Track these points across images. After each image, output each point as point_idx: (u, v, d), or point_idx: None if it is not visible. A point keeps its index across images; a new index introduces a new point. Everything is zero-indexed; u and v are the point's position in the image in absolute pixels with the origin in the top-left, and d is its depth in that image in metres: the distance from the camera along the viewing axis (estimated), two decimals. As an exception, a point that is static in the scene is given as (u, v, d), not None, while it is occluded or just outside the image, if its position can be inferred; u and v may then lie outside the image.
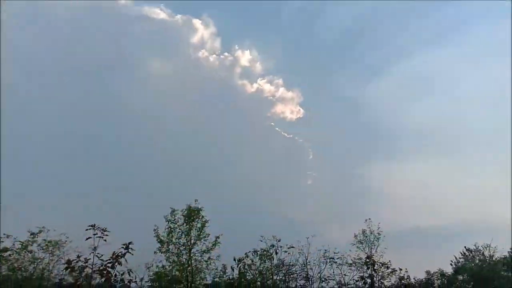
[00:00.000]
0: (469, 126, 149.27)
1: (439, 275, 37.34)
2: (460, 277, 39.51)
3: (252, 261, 23.76)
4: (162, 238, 21.91)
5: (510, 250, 48.18)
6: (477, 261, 42.81)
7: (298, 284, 27.07)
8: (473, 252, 44.27)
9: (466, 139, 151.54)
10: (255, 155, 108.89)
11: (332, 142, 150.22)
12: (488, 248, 45.35)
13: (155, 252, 22.03)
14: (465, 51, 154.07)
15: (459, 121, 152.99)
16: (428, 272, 37.06)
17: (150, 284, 22.61)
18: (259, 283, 23.75)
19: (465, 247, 44.63)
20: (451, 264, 42.62)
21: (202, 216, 22.37)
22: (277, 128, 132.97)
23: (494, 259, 45.12)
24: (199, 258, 22.30)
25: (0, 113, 43.07)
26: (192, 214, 22.11)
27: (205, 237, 22.33)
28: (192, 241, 22.18)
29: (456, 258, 43.72)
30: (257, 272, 23.56)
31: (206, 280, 22.95)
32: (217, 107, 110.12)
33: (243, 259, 23.77)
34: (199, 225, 22.28)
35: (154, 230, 22.17)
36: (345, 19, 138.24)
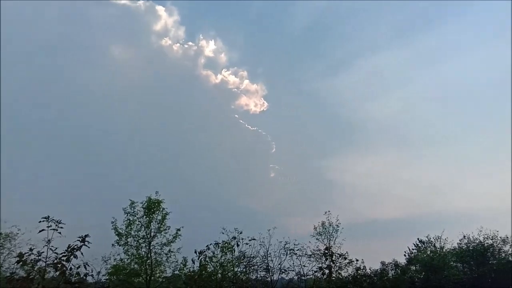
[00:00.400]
0: (422, 122, 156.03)
1: (393, 265, 38.94)
2: (413, 268, 41.45)
3: (214, 253, 23.76)
4: (120, 230, 21.42)
5: (459, 242, 51.07)
6: (428, 252, 45.11)
7: (258, 276, 27.41)
8: (425, 244, 46.62)
9: (420, 135, 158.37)
10: (218, 147, 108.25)
11: (295, 135, 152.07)
12: (439, 240, 47.94)
13: (113, 245, 21.53)
14: (420, 51, 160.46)
15: (413, 117, 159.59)
16: (383, 263, 38.56)
17: (107, 277, 22.08)
18: (220, 275, 23.79)
19: (418, 238, 46.93)
20: (404, 255, 44.67)
21: (163, 209, 22.05)
22: (241, 121, 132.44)
23: (444, 250, 47.78)
24: (159, 251, 22.00)
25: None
26: (152, 206, 21.74)
27: (165, 229, 22.05)
28: (152, 233, 21.84)
29: (409, 249, 45.88)
30: (218, 264, 23.59)
31: (166, 273, 22.72)
32: (180, 97, 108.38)
33: (204, 251, 23.70)
34: (159, 218, 21.96)
35: (112, 222, 21.64)
36: (311, 15, 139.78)
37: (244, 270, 25.94)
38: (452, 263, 46.65)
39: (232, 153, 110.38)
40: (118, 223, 21.53)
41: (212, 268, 23.56)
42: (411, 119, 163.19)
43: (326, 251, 29.26)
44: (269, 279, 26.91)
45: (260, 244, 25.91)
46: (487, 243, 51.59)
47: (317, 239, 29.81)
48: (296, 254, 27.27)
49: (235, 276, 24.57)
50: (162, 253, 21.98)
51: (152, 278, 21.81)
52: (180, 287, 23.74)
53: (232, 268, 24.20)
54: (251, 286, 24.89)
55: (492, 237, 52.10)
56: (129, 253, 21.40)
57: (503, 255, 52.84)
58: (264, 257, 26.47)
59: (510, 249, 52.47)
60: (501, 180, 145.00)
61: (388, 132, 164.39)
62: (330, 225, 29.93)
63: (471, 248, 50.39)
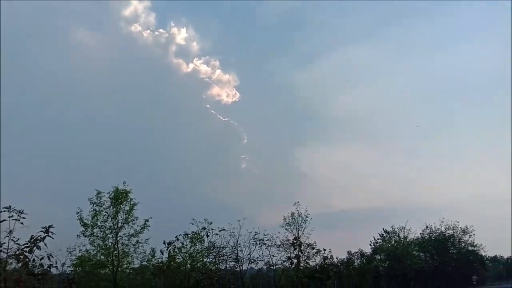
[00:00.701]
0: (391, 117, 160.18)
1: (359, 255, 40.10)
2: (378, 257, 42.80)
3: (183, 244, 23.62)
4: (86, 221, 20.85)
5: (422, 232, 53.06)
6: (393, 242, 46.69)
7: (228, 266, 27.54)
8: (390, 234, 48.23)
9: (389, 129, 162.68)
10: (188, 137, 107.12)
11: (266, 127, 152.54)
12: (403, 230, 49.74)
13: (78, 236, 20.94)
14: (391, 46, 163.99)
15: (383, 111, 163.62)
16: (349, 252, 39.65)
17: (72, 269, 21.52)
18: (189, 265, 23.71)
19: (383, 229, 48.51)
20: (370, 245, 46.09)
21: (131, 199, 21.60)
22: (212, 111, 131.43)
23: (408, 240, 49.60)
24: (127, 241, 21.61)
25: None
26: (119, 196, 21.26)
27: (133, 220, 21.64)
28: (119, 224, 21.38)
29: (374, 239, 47.35)
30: (187, 255, 23.49)
31: (134, 264, 22.37)
32: (150, 85, 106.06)
33: (173, 242, 23.55)
34: (127, 208, 21.49)
35: (77, 213, 21.01)
36: (284, 7, 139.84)
37: (214, 260, 25.99)
38: (415, 252, 48.54)
39: (203, 143, 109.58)
40: (83, 214, 20.94)
41: (181, 259, 23.44)
42: (380, 113, 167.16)
43: (294, 241, 29.76)
44: (238, 269, 27.14)
45: (230, 235, 26.11)
46: (448, 233, 54.03)
47: (286, 229, 30.21)
48: (265, 244, 27.64)
49: (204, 266, 24.56)
50: (130, 244, 21.57)
51: (119, 269, 21.41)
52: (148, 278, 23.48)
53: (201, 259, 24.17)
54: (220, 276, 24.96)
55: (453, 227, 54.58)
56: (95, 244, 20.87)
57: (462, 244, 55.48)
58: (234, 247, 26.69)
59: (470, 239, 55.12)
60: (463, 173, 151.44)
61: (358, 125, 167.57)
62: (299, 216, 30.35)
63: (433, 238, 52.62)
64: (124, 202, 21.47)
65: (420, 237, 52.15)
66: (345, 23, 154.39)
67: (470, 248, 55.96)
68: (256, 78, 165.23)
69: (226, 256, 26.70)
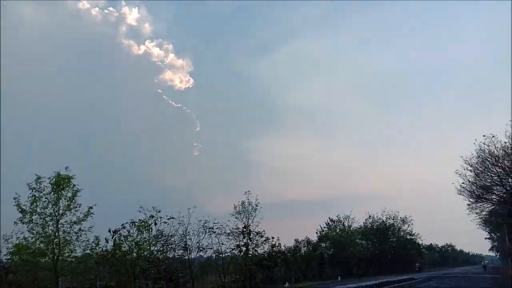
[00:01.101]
0: (344, 109, 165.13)
1: (305, 242, 41.31)
2: (323, 245, 44.35)
3: (129, 232, 23.01)
4: (24, 207, 19.61)
5: (365, 221, 55.66)
6: (338, 230, 48.55)
7: (176, 254, 27.27)
8: (335, 222, 50.09)
9: (338, 122, 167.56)
10: (138, 122, 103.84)
11: (220, 115, 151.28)
12: (347, 219, 51.85)
13: (15, 223, 19.68)
14: (346, 39, 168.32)
15: (334, 103, 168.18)
16: (296, 240, 40.71)
17: (9, 257, 20.27)
18: (135, 254, 23.17)
19: (329, 217, 50.26)
20: (316, 233, 47.59)
21: (74, 185, 20.55)
22: (164, 96, 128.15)
23: (352, 228, 51.82)
24: (68, 229, 20.60)
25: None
26: (61, 182, 20.16)
27: (76, 207, 20.63)
28: (61, 211, 20.32)
29: (321, 227, 48.94)
30: (133, 243, 22.92)
31: (76, 253, 21.44)
32: (97, 65, 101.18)
33: (119, 230, 22.88)
34: (69, 195, 20.44)
35: (15, 198, 19.71)
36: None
37: (162, 249, 25.60)
38: (358, 240, 50.89)
39: (154, 129, 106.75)
40: (21, 200, 19.66)
41: (127, 247, 22.84)
42: (332, 105, 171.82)
43: (244, 230, 30.02)
44: (187, 257, 26.96)
45: (179, 223, 25.79)
46: (388, 222, 57.19)
47: (236, 218, 30.38)
48: (215, 232, 27.63)
49: (152, 255, 24.12)
50: (72, 231, 20.59)
51: (60, 257, 20.43)
52: (91, 267, 22.65)
53: (148, 247, 23.69)
54: (167, 264, 24.66)
55: (393, 217, 57.86)
56: (34, 231, 19.72)
57: (402, 233, 59.00)
58: (183, 235, 26.42)
59: (408, 228, 58.67)
60: (407, 165, 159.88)
61: (309, 117, 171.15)
62: (249, 205, 30.60)
63: (374, 227, 55.48)
64: (67, 188, 20.41)
65: (363, 225, 54.77)
66: (303, 14, 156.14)
67: (408, 237, 59.65)
68: (211, 64, 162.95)
69: (174, 245, 26.41)
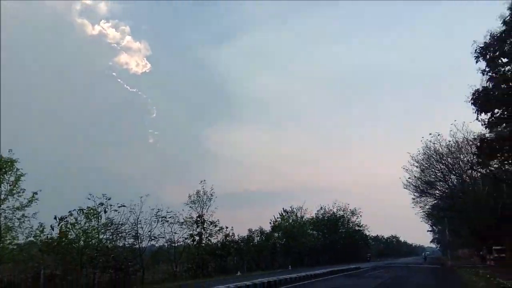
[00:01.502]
0: (300, 102, 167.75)
1: (259, 232, 41.81)
2: (276, 234, 45.11)
3: (77, 220, 22.14)
4: (-41, 191, 18.30)
5: (317, 212, 57.18)
6: (290, 221, 49.59)
7: (126, 243, 26.63)
8: (288, 213, 51.10)
9: (294, 114, 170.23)
10: (90, 105, 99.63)
11: (177, 102, 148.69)
12: (300, 210, 53.09)
13: None
14: (306, 32, 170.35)
15: (292, 96, 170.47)
16: (250, 230, 41.09)
17: None
18: (82, 242, 22.36)
19: (283, 208, 51.18)
20: (270, 223, 48.30)
21: (17, 169, 19.41)
22: (119, 80, 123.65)
23: (304, 219, 53.13)
24: (10, 215, 19.46)
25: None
26: (3, 166, 18.97)
27: (19, 192, 19.51)
28: (2, 196, 19.14)
29: (274, 217, 49.72)
30: (81, 231, 22.10)
31: (18, 240, 20.31)
32: (47, 44, 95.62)
33: (66, 217, 21.95)
34: (12, 179, 19.29)
35: (-51, 182, 18.33)
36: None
37: (111, 237, 24.90)
38: (309, 230, 52.28)
39: (107, 114, 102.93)
40: (-43, 183, 18.31)
41: (74, 235, 22.00)
42: (286, 98, 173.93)
43: (198, 219, 29.90)
44: (137, 246, 26.41)
45: (130, 211, 25.24)
46: (339, 214, 59.26)
47: (190, 207, 30.16)
48: (167, 221, 27.30)
49: (100, 243, 23.40)
50: (14, 218, 19.49)
51: (1, 245, 19.30)
52: (35, 255, 21.58)
53: (97, 235, 22.94)
54: (117, 253, 24.02)
55: (343, 209, 60.01)
56: (-30, 217, 18.50)
57: (351, 224, 61.38)
58: (134, 224, 25.86)
59: (357, 220, 61.11)
60: (359, 159, 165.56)
61: (266, 108, 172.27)
62: (204, 194, 30.48)
63: (326, 218, 57.25)
64: (9, 172, 19.24)
65: (315, 217, 56.35)
66: (265, 4, 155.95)
67: (356, 228, 62.19)
68: (170, 49, 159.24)
69: (124, 233, 25.78)
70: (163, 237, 27.73)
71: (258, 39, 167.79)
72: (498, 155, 21.54)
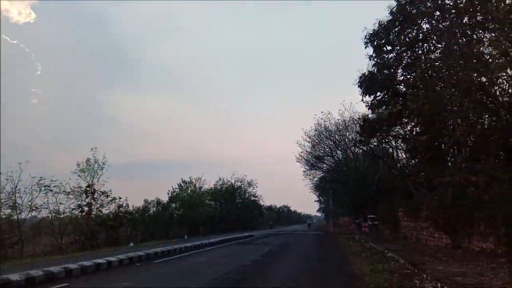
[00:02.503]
0: (206, 73, 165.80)
1: (155, 203, 41.08)
2: (173, 205, 44.88)
3: None
4: None
5: (215, 183, 58.16)
6: (189, 191, 49.72)
7: (2, 214, 24.07)
8: (187, 184, 51.10)
9: (201, 84, 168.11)
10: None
11: (68, 60, 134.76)
12: (199, 181, 53.47)
13: None
14: (218, 4, 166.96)
15: (198, 66, 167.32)
16: (146, 201, 40.14)
17: None
18: None
19: (181, 179, 50.96)
20: (168, 194, 47.80)
21: None
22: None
23: (202, 190, 53.70)
24: None
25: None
26: None
27: None
28: None
29: (173, 188, 49.30)
30: None
31: None
32: None
33: None
34: None
35: None
36: None
37: (-18, 207, 22.21)
38: (207, 201, 53.11)
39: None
40: None
41: None
42: (196, 66, 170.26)
43: (87, 189, 28.17)
44: (16, 217, 24.04)
45: (6, 179, 22.82)
46: (236, 185, 61.06)
47: (79, 175, 28.12)
48: (52, 190, 25.28)
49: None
50: None
51: None
52: None
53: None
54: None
55: (241, 180, 61.95)
56: None
57: (247, 195, 63.80)
58: (12, 193, 23.43)
59: (253, 190, 63.75)
60: (259, 132, 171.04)
61: (169, 77, 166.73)
62: (95, 162, 28.64)
63: (223, 189, 58.60)
64: None
65: (213, 187, 57.31)
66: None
67: (252, 198, 64.92)
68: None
69: (0, 203, 23.23)
70: (46, 208, 25.67)
71: (167, 2, 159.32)
72: (377, 134, 24.01)
